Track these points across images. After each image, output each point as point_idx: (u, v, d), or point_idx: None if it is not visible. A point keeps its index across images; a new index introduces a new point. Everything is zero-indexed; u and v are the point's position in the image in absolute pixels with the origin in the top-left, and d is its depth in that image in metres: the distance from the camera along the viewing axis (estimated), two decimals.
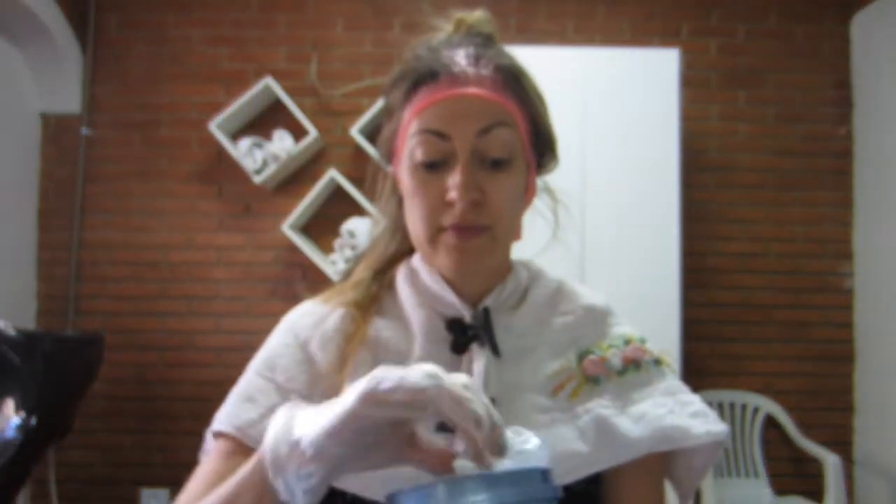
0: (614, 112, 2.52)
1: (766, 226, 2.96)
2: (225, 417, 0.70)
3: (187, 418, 2.85)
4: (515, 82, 0.72)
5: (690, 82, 2.86)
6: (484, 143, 0.68)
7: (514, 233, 0.74)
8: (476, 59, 0.71)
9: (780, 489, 2.78)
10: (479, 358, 0.70)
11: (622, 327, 0.78)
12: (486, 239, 0.70)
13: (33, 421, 2.11)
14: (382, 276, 0.80)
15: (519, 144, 0.71)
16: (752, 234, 2.96)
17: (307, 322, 0.77)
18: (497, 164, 0.69)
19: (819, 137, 2.98)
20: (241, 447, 0.68)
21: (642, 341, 0.77)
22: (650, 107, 2.53)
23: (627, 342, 0.76)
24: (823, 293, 2.95)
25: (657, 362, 0.76)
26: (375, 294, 0.78)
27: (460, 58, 0.71)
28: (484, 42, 0.73)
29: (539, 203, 0.81)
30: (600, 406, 0.70)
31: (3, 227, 2.78)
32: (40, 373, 2.14)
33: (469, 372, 0.70)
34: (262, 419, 0.68)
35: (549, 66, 2.62)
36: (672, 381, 0.75)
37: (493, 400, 0.65)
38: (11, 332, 2.13)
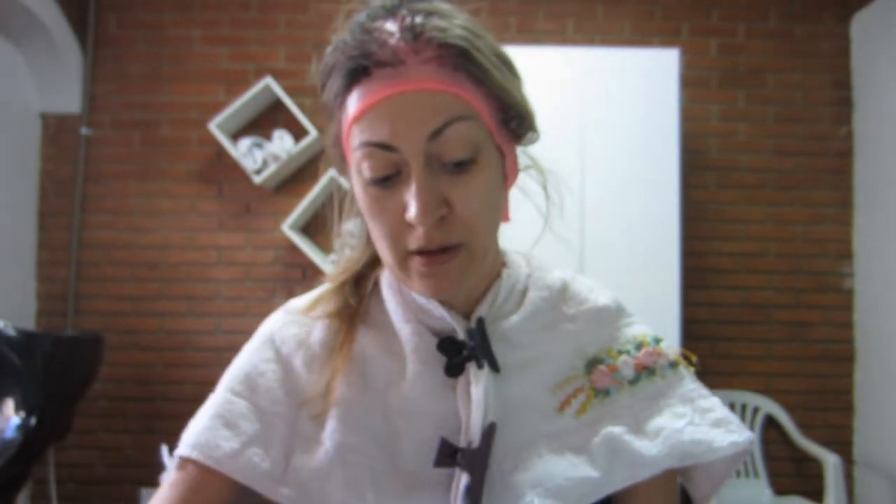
0: (614, 112, 2.51)
1: (766, 226, 2.96)
2: (203, 444, 0.65)
3: (187, 418, 2.81)
4: (466, 59, 0.57)
5: (690, 82, 2.87)
6: (438, 146, 0.56)
7: (500, 220, 0.64)
8: (414, 38, 0.56)
9: (780, 489, 2.77)
10: (477, 382, 0.63)
11: (634, 328, 0.71)
12: (462, 258, 0.59)
13: (33, 421, 2.10)
14: (364, 279, 0.72)
15: (483, 134, 0.59)
16: (752, 234, 2.96)
17: (289, 334, 0.70)
18: (460, 166, 0.58)
19: (819, 137, 2.98)
20: (212, 476, 0.64)
21: (656, 342, 0.70)
22: (650, 107, 2.53)
23: (640, 346, 0.69)
24: (823, 293, 2.95)
25: (673, 365, 0.69)
26: (358, 302, 0.70)
27: (394, 39, 0.57)
28: (423, 8, 0.58)
29: (527, 178, 0.70)
30: (611, 423, 0.65)
31: (2, 227, 2.78)
32: (40, 373, 2.14)
33: (466, 396, 0.63)
34: (245, 449, 0.65)
35: (550, 66, 2.64)
36: (689, 384, 0.68)
37: (493, 425, 0.61)
38: (11, 332, 2.13)
